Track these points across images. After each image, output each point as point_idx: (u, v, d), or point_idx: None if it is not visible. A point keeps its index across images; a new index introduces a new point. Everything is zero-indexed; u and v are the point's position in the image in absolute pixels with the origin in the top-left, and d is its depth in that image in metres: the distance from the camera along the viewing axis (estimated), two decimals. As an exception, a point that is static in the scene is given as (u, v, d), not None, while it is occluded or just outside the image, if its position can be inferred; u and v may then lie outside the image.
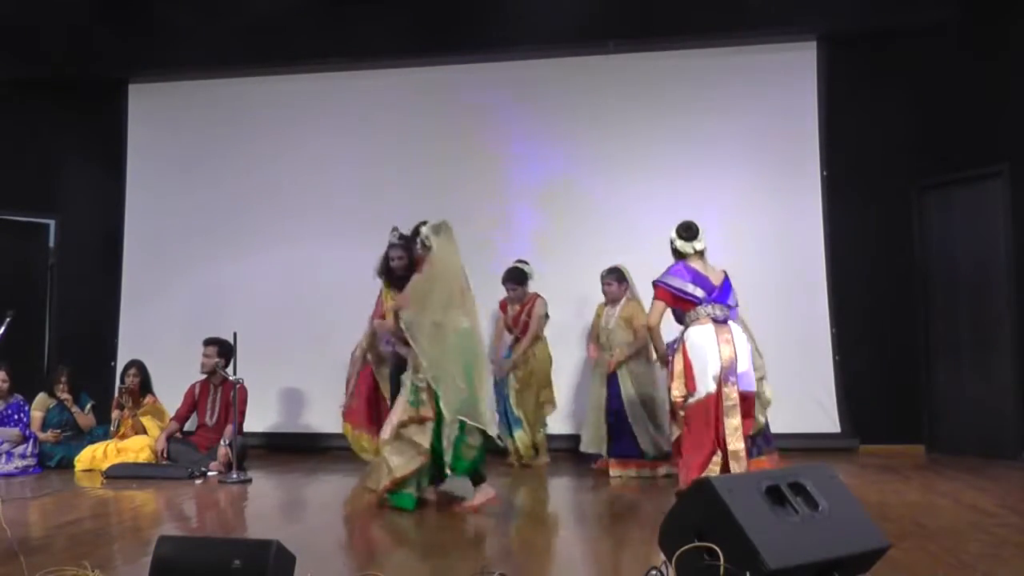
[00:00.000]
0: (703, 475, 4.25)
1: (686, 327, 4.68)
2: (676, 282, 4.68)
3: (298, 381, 7.60)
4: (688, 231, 4.76)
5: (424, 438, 4.50)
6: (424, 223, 4.74)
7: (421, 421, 4.52)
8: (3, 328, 4.92)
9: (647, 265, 6.70)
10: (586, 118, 7.48)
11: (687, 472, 4.49)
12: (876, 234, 7.11)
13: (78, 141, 8.22)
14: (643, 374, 5.95)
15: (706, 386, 4.48)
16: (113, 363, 7.82)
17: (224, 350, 6.39)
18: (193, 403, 6.62)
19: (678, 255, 4.78)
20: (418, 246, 4.72)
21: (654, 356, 5.50)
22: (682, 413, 4.60)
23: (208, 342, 6.54)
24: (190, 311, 7.72)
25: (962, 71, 6.75)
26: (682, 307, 4.72)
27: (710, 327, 4.58)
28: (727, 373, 4.48)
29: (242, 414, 6.30)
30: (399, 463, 4.53)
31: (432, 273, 4.65)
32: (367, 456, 5.78)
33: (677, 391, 4.59)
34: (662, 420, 5.72)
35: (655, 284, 4.76)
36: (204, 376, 6.57)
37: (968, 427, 6.67)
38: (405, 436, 4.55)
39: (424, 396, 4.52)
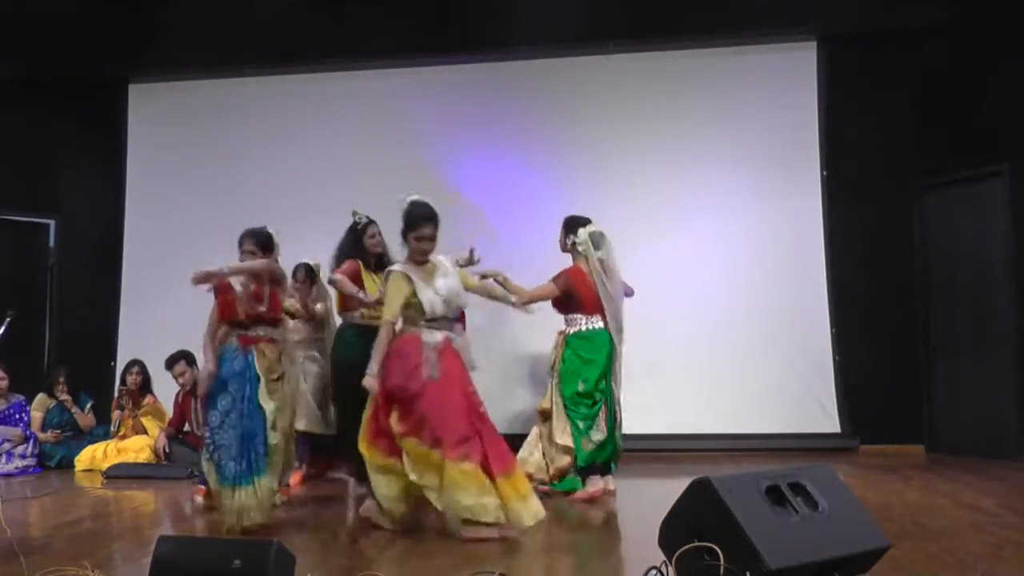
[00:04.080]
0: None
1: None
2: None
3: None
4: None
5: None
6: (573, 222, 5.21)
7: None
8: (3, 328, 4.93)
9: (647, 263, 6.78)
10: (585, 118, 7.47)
11: None
12: (876, 234, 7.11)
13: (78, 141, 8.21)
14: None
15: None
16: (113, 363, 7.81)
17: (191, 360, 6.37)
18: (181, 412, 6.58)
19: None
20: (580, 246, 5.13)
21: None
22: None
23: (172, 361, 6.49)
24: (190, 311, 7.64)
25: (961, 71, 6.75)
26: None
27: None
28: None
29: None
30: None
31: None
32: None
33: None
34: None
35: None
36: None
37: (968, 427, 6.67)
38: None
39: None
